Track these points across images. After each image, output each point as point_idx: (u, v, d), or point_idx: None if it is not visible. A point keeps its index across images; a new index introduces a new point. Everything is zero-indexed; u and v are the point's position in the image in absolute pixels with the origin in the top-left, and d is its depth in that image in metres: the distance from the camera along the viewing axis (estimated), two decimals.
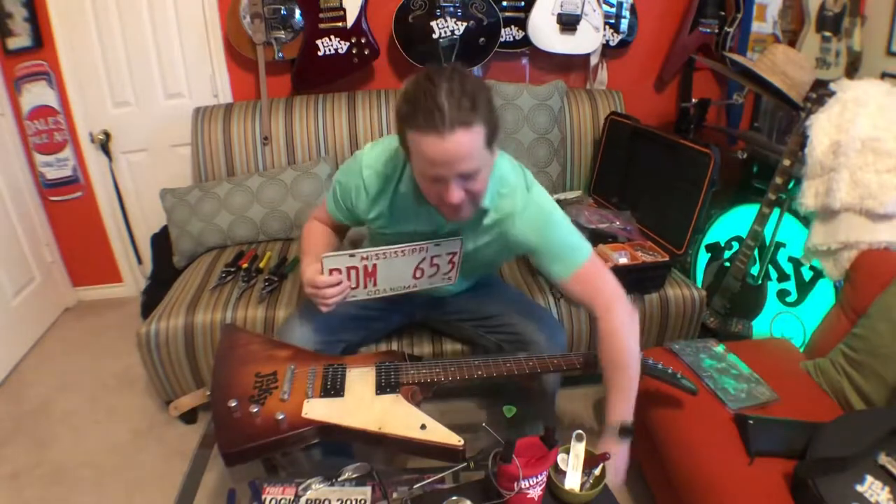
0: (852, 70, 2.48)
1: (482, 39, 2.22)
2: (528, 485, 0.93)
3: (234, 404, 1.04)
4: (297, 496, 0.97)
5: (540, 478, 0.94)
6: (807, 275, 1.87)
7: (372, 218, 1.26)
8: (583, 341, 1.77)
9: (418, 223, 1.23)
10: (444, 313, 1.54)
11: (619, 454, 1.13)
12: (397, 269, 1.21)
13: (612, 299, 1.19)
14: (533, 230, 1.18)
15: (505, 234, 1.21)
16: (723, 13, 2.40)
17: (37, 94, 2.22)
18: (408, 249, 1.19)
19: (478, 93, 0.97)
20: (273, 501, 0.96)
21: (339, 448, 1.32)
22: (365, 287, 1.22)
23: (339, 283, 1.17)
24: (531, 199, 1.19)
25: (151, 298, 2.04)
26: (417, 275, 1.24)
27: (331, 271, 1.17)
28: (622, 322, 1.17)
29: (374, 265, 1.19)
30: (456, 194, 1.02)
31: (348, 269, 1.18)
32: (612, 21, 2.36)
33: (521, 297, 1.54)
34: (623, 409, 1.15)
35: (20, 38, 2.12)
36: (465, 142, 0.96)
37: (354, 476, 1.01)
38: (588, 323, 1.76)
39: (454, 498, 0.93)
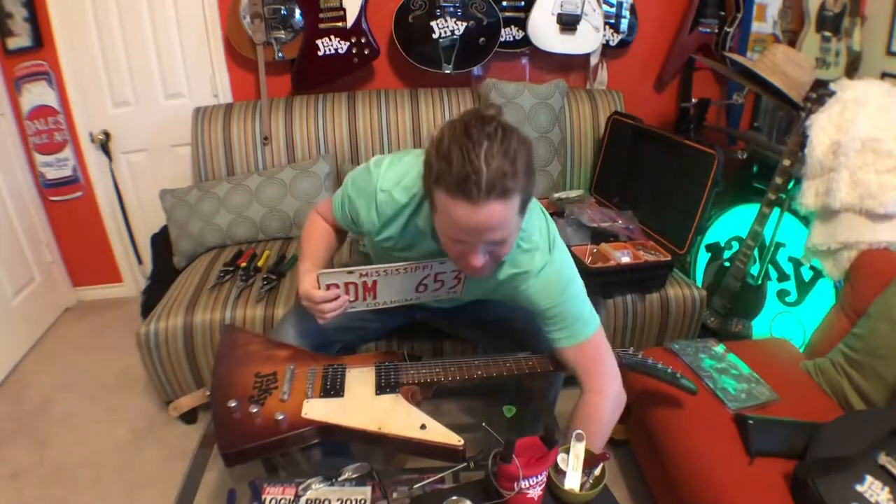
0: (852, 70, 2.48)
1: (482, 39, 2.22)
2: (528, 485, 0.93)
3: (233, 404, 1.04)
4: (297, 496, 0.97)
5: (540, 478, 0.94)
6: (807, 275, 1.88)
7: (378, 239, 1.18)
8: None
9: (429, 251, 1.15)
10: (446, 313, 1.53)
11: None
12: (398, 285, 1.15)
13: (607, 379, 1.14)
14: (547, 294, 1.11)
15: (517, 288, 1.12)
16: (723, 13, 2.40)
17: (37, 94, 2.22)
18: (410, 267, 1.11)
19: (519, 155, 0.87)
20: (273, 501, 0.96)
21: (338, 448, 1.32)
22: (364, 300, 1.17)
23: (336, 298, 1.12)
24: (552, 260, 1.11)
25: (151, 298, 2.04)
26: (420, 290, 1.18)
27: (328, 286, 1.11)
28: (609, 406, 1.13)
29: (374, 281, 1.13)
30: (480, 259, 0.96)
31: (346, 284, 1.12)
32: (612, 21, 2.36)
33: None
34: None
35: (20, 38, 2.11)
36: (499, 212, 0.88)
37: (354, 476, 1.01)
38: None
39: (454, 498, 0.93)
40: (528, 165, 0.91)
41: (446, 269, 1.14)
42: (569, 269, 1.15)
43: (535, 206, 1.11)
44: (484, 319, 1.45)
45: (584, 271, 1.67)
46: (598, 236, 1.86)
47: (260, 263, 1.90)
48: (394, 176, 1.11)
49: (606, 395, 1.14)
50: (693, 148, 1.79)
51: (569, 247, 1.75)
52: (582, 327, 1.13)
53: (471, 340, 1.56)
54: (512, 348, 1.37)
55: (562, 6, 2.21)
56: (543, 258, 1.11)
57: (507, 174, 0.85)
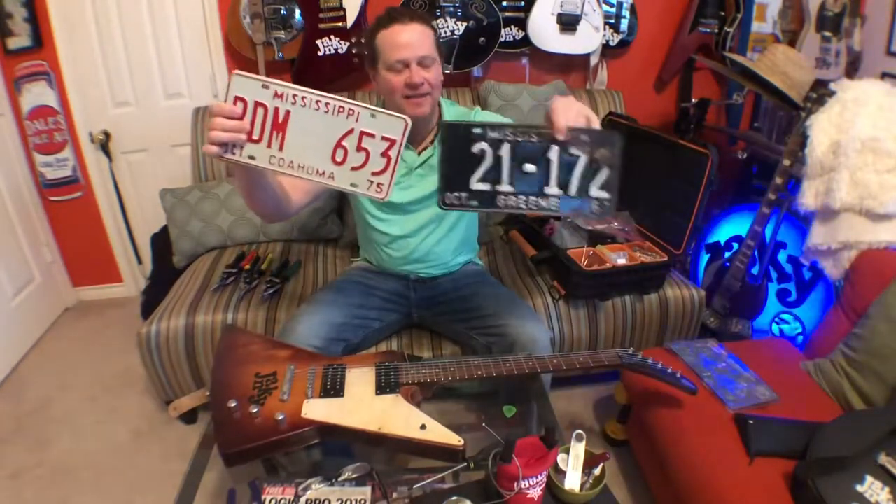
0: (852, 70, 2.48)
1: (482, 39, 2.22)
2: (528, 485, 0.93)
3: (233, 405, 1.04)
4: (297, 496, 0.97)
5: (540, 478, 0.94)
6: (807, 275, 1.88)
7: None
8: (583, 342, 1.77)
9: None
10: (439, 313, 1.55)
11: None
12: (313, 135, 0.95)
13: None
14: (490, 116, 1.48)
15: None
16: (723, 13, 2.40)
17: (37, 94, 2.22)
18: (334, 105, 0.93)
19: (427, 14, 1.39)
20: (273, 501, 0.96)
21: (339, 448, 1.32)
22: (269, 146, 0.94)
23: (238, 119, 0.93)
24: (480, 110, 1.51)
25: (151, 298, 2.04)
26: (338, 157, 0.96)
27: (235, 99, 0.92)
28: None
29: (287, 113, 0.93)
30: (417, 75, 1.27)
31: (256, 104, 0.92)
32: (612, 21, 2.36)
33: (510, 295, 1.55)
34: None
35: (20, 38, 2.11)
36: (422, 30, 1.28)
37: (354, 476, 1.01)
38: (587, 324, 1.76)
39: (454, 498, 0.93)
40: (433, 23, 1.37)
41: (376, 129, 0.95)
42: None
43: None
44: (472, 315, 1.48)
45: (581, 274, 1.68)
46: (595, 238, 1.86)
47: (264, 266, 1.90)
48: None
49: None
50: (687, 148, 1.79)
51: (565, 249, 1.77)
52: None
53: (462, 341, 1.57)
54: (496, 349, 1.38)
55: (562, 6, 2.21)
56: (472, 109, 1.51)
57: (420, 14, 1.33)
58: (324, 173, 0.97)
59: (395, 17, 1.28)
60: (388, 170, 0.97)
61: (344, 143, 0.95)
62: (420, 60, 1.28)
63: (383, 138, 0.95)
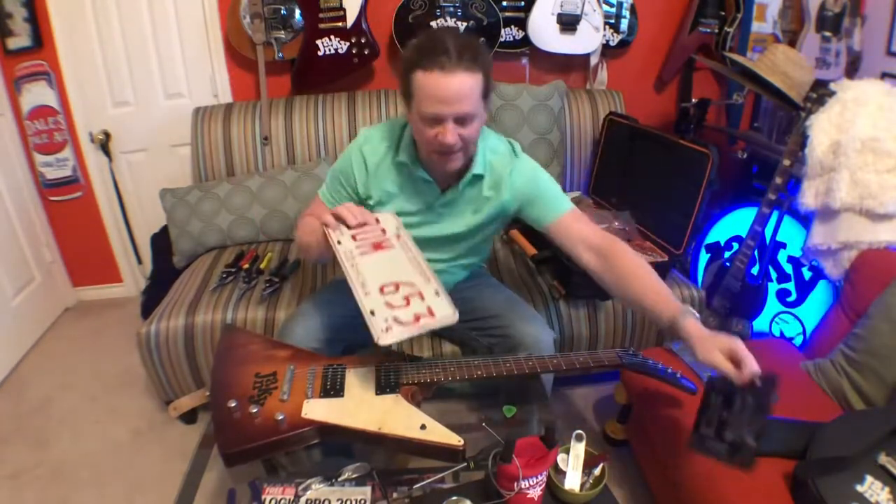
0: (852, 70, 2.48)
1: (482, 39, 2.22)
2: (528, 485, 0.93)
3: (233, 405, 1.04)
4: (297, 496, 0.97)
5: (540, 478, 0.94)
6: (807, 275, 1.88)
7: (371, 195, 1.31)
8: (583, 342, 1.77)
9: (416, 196, 1.30)
10: None
11: (722, 337, 1.02)
12: (389, 267, 1.12)
13: (608, 236, 1.26)
14: (527, 181, 1.30)
15: (503, 192, 1.30)
16: (723, 13, 2.40)
17: (37, 94, 2.22)
18: (419, 263, 1.12)
19: (479, 48, 1.10)
20: (273, 501, 0.96)
21: (339, 448, 1.32)
22: (356, 248, 1.13)
23: (361, 224, 1.16)
24: (520, 159, 1.32)
25: (151, 298, 2.04)
26: (387, 290, 1.09)
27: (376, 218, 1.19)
28: (634, 253, 1.23)
29: (389, 246, 1.16)
30: (451, 135, 1.11)
31: (382, 227, 1.19)
32: (612, 21, 2.36)
33: (512, 296, 1.55)
34: (672, 300, 1.11)
35: (20, 38, 2.12)
36: (467, 82, 1.08)
37: (354, 476, 1.01)
38: (587, 324, 1.76)
39: (454, 498, 0.93)
40: (487, 58, 1.12)
41: (428, 299, 1.06)
42: (535, 162, 1.35)
43: (493, 131, 1.35)
44: (474, 315, 1.47)
45: (581, 274, 1.68)
46: None
47: (262, 266, 1.90)
48: (369, 132, 1.32)
49: (622, 243, 1.23)
50: (688, 147, 1.79)
51: None
52: (563, 201, 1.30)
53: (463, 341, 1.57)
54: (498, 350, 1.38)
55: (562, 6, 2.21)
56: (511, 159, 1.31)
57: (470, 56, 1.07)
58: (365, 289, 1.07)
59: (438, 59, 1.05)
60: (405, 329, 1.02)
61: (401, 286, 1.08)
62: (458, 118, 1.11)
63: (428, 308, 1.05)
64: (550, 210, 1.29)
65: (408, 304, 1.04)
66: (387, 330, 0.99)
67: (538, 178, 1.31)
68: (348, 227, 1.16)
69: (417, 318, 1.02)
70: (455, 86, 1.07)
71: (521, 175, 1.30)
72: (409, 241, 1.17)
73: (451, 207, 1.33)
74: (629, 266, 1.18)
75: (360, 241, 1.15)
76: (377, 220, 1.20)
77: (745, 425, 1.03)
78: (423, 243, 1.32)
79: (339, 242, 1.13)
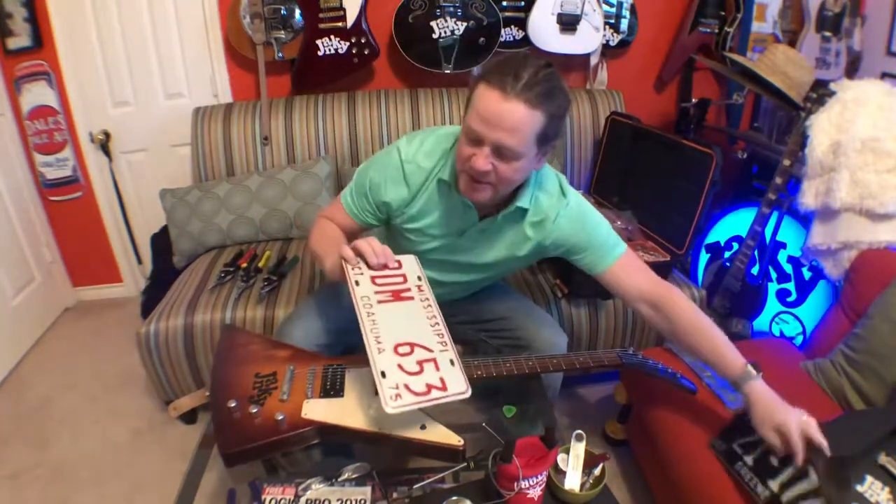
0: (852, 70, 2.48)
1: (482, 39, 2.22)
2: (528, 485, 0.93)
3: (233, 405, 1.04)
4: (297, 496, 0.97)
5: (540, 478, 0.94)
6: (807, 275, 1.88)
7: (407, 212, 1.22)
8: (583, 341, 1.77)
9: (452, 218, 1.21)
10: (447, 315, 1.53)
11: (784, 416, 1.04)
12: (406, 323, 1.05)
13: (663, 283, 1.21)
14: (574, 230, 1.21)
15: (545, 235, 1.22)
16: (723, 13, 2.40)
17: (37, 94, 2.22)
18: (440, 328, 1.05)
19: (556, 92, 1.00)
20: (273, 501, 0.96)
21: (339, 448, 1.32)
22: (375, 293, 1.06)
23: (382, 266, 1.08)
24: (568, 200, 1.22)
25: (151, 298, 2.04)
26: (401, 350, 1.01)
27: (398, 261, 1.12)
28: (690, 302, 1.19)
29: (409, 297, 1.08)
30: (483, 161, 1.02)
31: (403, 273, 1.11)
32: (612, 21, 2.36)
33: (523, 300, 1.54)
34: (733, 360, 1.12)
35: (20, 38, 2.11)
36: (522, 114, 0.97)
37: (354, 476, 1.01)
38: (588, 323, 1.76)
39: (454, 498, 0.93)
40: (561, 108, 1.02)
41: (442, 370, 0.99)
42: (585, 204, 1.25)
43: (547, 165, 1.21)
44: (483, 318, 1.46)
45: (583, 273, 1.67)
46: None
47: (261, 264, 1.90)
48: (415, 147, 1.19)
49: (678, 293, 1.19)
50: (691, 148, 1.79)
51: None
52: (614, 245, 1.22)
53: (470, 341, 1.56)
54: (509, 351, 1.38)
55: (562, 6, 2.21)
56: (560, 200, 1.21)
57: (542, 88, 0.97)
58: (380, 344, 0.99)
59: (505, 79, 0.96)
60: (415, 400, 0.94)
61: (416, 349, 1.00)
62: (497, 148, 1.01)
63: (441, 379, 0.97)
64: (599, 260, 1.22)
65: (420, 371, 0.97)
66: (395, 398, 0.92)
67: (585, 224, 1.22)
68: (368, 265, 1.09)
69: (429, 390, 0.95)
70: (506, 111, 0.97)
71: (568, 221, 1.21)
72: (428, 293, 1.10)
73: (486, 237, 1.24)
74: (688, 321, 1.15)
75: (380, 286, 1.07)
76: (399, 264, 1.13)
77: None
78: (449, 265, 1.29)
79: (357, 283, 1.06)
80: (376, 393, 1.09)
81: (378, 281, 1.08)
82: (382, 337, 1.00)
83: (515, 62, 0.99)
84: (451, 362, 1.00)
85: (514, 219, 1.21)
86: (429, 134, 1.21)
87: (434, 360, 0.99)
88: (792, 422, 1.02)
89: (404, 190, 1.20)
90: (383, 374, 0.94)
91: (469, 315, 1.48)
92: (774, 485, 1.03)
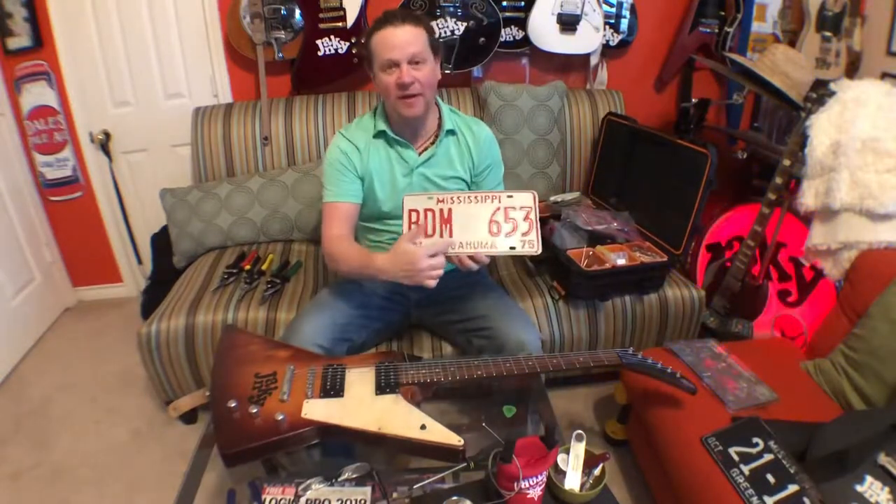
0: (852, 70, 2.48)
1: (482, 39, 2.22)
2: (528, 485, 0.93)
3: (233, 405, 1.04)
4: (297, 496, 0.97)
5: (540, 478, 0.94)
6: (807, 275, 1.88)
7: (364, 176, 1.43)
8: (583, 342, 1.77)
9: (399, 164, 1.43)
10: (437, 313, 1.55)
11: None
12: (473, 219, 1.24)
13: None
14: (491, 145, 1.50)
15: (479, 149, 1.47)
16: (723, 13, 2.40)
17: (37, 94, 2.22)
18: (480, 195, 1.26)
19: (422, 16, 1.41)
20: (273, 501, 0.97)
21: (339, 448, 1.32)
22: (441, 235, 1.24)
23: (434, 258, 1.21)
24: (487, 127, 1.52)
25: (151, 298, 2.04)
26: (493, 230, 1.24)
27: (409, 212, 1.25)
28: None
29: (450, 209, 1.24)
30: (407, 74, 1.28)
31: (426, 210, 1.25)
32: (612, 21, 2.36)
33: (504, 298, 1.56)
34: None
35: (20, 38, 2.11)
36: (414, 31, 1.29)
37: (354, 476, 1.01)
38: (587, 324, 1.76)
39: (454, 498, 0.93)
40: (430, 25, 1.37)
41: (514, 203, 1.25)
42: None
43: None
44: (466, 316, 1.48)
45: (581, 274, 1.68)
46: (595, 239, 1.86)
47: (264, 267, 1.90)
48: (346, 127, 1.49)
49: None
50: (686, 148, 1.79)
51: (565, 250, 1.77)
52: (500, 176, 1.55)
53: (462, 346, 1.57)
54: (490, 351, 1.38)
55: (562, 6, 2.21)
56: (480, 125, 1.51)
57: (415, 14, 1.34)
58: (486, 244, 1.25)
59: (388, 18, 1.30)
60: (533, 229, 1.24)
61: (495, 218, 1.25)
62: (410, 59, 1.29)
63: (521, 207, 1.25)
64: (498, 176, 1.52)
65: (514, 222, 1.25)
66: (531, 244, 1.24)
67: (495, 142, 1.52)
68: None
69: (528, 219, 1.24)
70: (405, 33, 1.28)
71: (488, 138, 1.49)
72: (448, 194, 1.27)
73: (431, 167, 1.44)
74: None
75: (435, 230, 1.25)
76: (417, 213, 1.27)
77: None
78: None
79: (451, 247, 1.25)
80: (376, 392, 1.10)
81: (429, 231, 1.25)
82: (480, 240, 1.24)
83: (385, 11, 1.32)
84: (509, 196, 1.26)
85: (448, 143, 1.46)
86: (357, 119, 1.51)
87: (506, 208, 1.25)
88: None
89: (356, 151, 1.42)
90: (511, 248, 1.24)
91: (455, 314, 1.51)
92: (770, 501, 1.03)
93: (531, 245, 1.24)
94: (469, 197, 1.26)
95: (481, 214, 1.25)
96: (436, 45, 1.36)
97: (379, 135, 1.43)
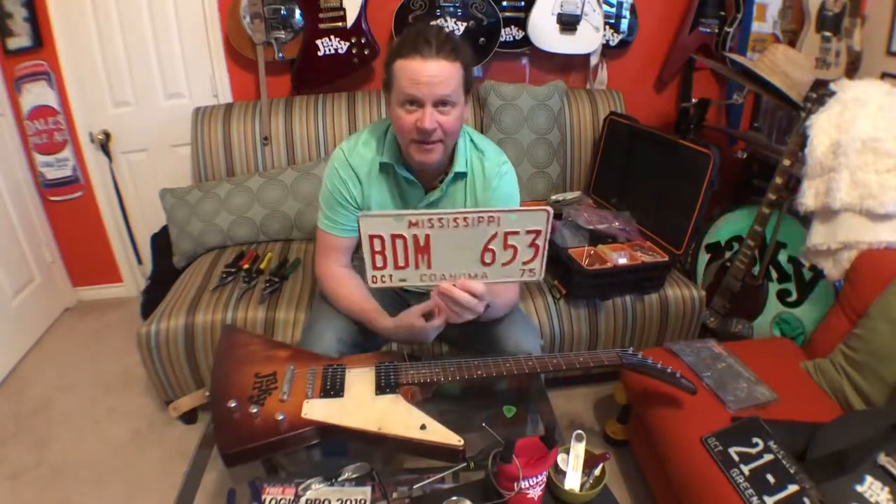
0: (852, 70, 2.48)
1: (482, 39, 2.22)
2: (528, 485, 0.93)
3: (233, 405, 1.04)
4: (297, 496, 0.97)
5: (540, 478, 0.94)
6: (807, 275, 1.87)
7: (368, 205, 1.30)
8: (583, 342, 1.77)
9: (402, 199, 1.30)
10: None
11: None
12: (458, 248, 0.98)
13: None
14: (512, 186, 1.31)
15: (485, 197, 1.29)
16: (723, 13, 2.40)
17: (37, 94, 2.22)
18: (471, 216, 0.94)
19: (459, 42, 1.12)
20: (273, 501, 0.96)
21: (339, 448, 1.32)
22: (416, 267, 1.00)
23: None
24: (510, 169, 1.31)
25: (151, 298, 2.04)
26: (487, 259, 0.99)
27: (371, 238, 0.97)
28: None
29: (427, 236, 0.96)
30: (430, 119, 1.10)
31: (393, 237, 0.96)
32: (612, 21, 2.36)
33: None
34: None
35: (20, 38, 2.11)
36: (447, 69, 1.09)
37: (354, 476, 1.01)
38: (587, 323, 1.76)
39: (454, 498, 0.93)
40: (469, 54, 1.14)
41: (519, 226, 0.95)
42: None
43: (470, 129, 1.33)
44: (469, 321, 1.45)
45: (582, 273, 1.68)
46: (596, 238, 1.86)
47: (262, 266, 1.90)
48: (353, 141, 1.30)
49: None
50: (688, 148, 1.79)
51: (566, 249, 1.77)
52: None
53: (464, 348, 1.55)
54: (490, 353, 1.37)
55: (562, 6, 2.21)
56: (499, 156, 1.31)
57: (451, 47, 1.09)
58: (476, 275, 1.02)
59: (418, 47, 1.07)
60: (538, 256, 1.00)
61: (491, 246, 0.98)
62: (438, 101, 1.10)
63: (528, 232, 0.97)
64: None
65: (514, 249, 0.99)
66: (531, 272, 1.01)
67: (514, 184, 1.33)
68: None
69: (534, 245, 0.99)
70: (434, 69, 1.08)
71: (509, 185, 1.30)
72: (424, 216, 0.99)
73: (435, 207, 1.30)
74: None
75: (408, 260, 1.02)
76: (381, 239, 1.01)
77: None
78: None
79: (402, 280, 1.04)
80: (376, 392, 1.10)
81: (401, 262, 1.03)
82: (468, 271, 1.02)
83: (418, 33, 1.09)
84: (514, 217, 0.98)
85: (456, 185, 1.29)
86: (362, 129, 1.32)
87: (506, 233, 0.98)
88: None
89: (357, 182, 1.28)
90: (507, 277, 1.02)
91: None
92: (770, 501, 1.03)
93: (531, 274, 1.02)
94: (456, 218, 0.95)
95: (472, 242, 0.98)
96: (469, 82, 1.16)
97: (384, 167, 1.28)
